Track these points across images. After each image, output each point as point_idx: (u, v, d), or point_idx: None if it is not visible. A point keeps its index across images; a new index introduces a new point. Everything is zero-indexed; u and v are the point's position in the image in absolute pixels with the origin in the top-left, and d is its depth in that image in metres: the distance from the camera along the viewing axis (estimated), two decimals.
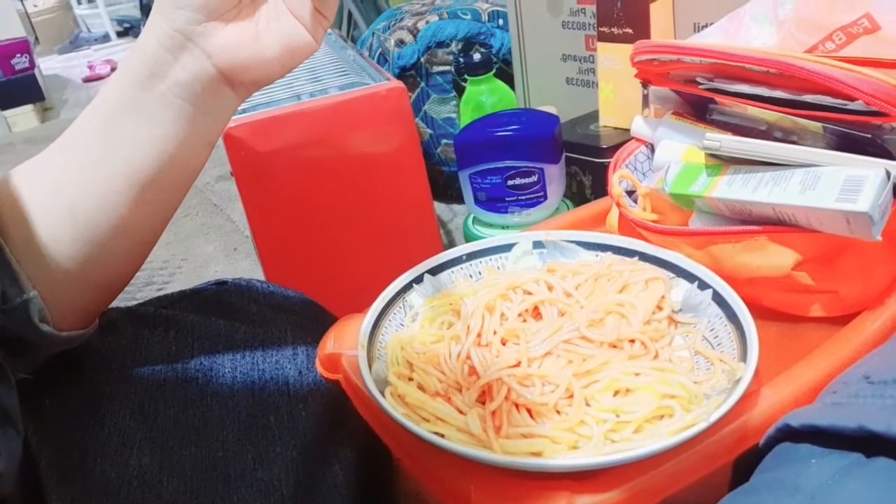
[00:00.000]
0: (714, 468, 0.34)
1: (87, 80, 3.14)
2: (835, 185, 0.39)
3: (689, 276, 0.45)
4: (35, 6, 4.10)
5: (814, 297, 0.44)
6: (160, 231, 0.41)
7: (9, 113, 2.47)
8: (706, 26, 0.63)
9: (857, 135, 0.43)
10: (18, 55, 2.54)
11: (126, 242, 0.39)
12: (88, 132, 0.38)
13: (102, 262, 0.39)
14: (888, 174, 0.38)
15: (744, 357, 0.37)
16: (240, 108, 0.71)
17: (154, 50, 0.35)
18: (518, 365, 0.39)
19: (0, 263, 0.36)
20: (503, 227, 0.83)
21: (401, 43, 1.24)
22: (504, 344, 0.41)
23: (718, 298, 0.42)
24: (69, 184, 0.37)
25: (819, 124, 0.45)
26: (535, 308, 0.44)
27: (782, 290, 0.44)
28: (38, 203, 0.37)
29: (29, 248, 0.37)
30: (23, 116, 2.51)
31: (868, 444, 0.27)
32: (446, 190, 1.23)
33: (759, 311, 0.40)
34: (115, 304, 0.44)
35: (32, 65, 2.59)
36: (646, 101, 0.59)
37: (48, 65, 3.50)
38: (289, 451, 0.43)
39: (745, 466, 0.33)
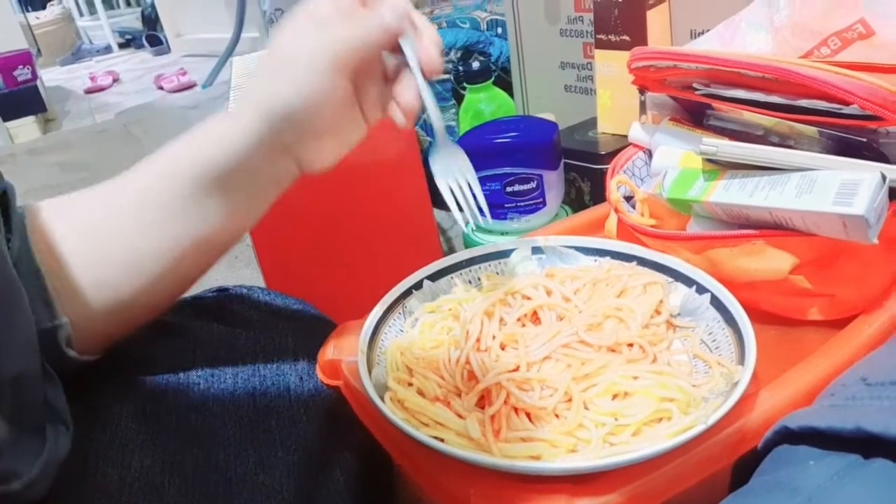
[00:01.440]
0: (712, 471, 0.34)
1: (89, 91, 3.16)
2: (831, 188, 0.39)
3: (688, 281, 0.45)
4: (37, 18, 4.12)
5: (811, 300, 0.44)
6: (196, 279, 0.43)
7: (11, 124, 2.48)
8: (703, 33, 0.64)
9: (852, 139, 0.44)
10: (21, 67, 2.55)
11: (173, 289, 0.42)
12: (165, 200, 0.39)
13: (142, 304, 0.41)
14: (884, 177, 0.38)
15: (742, 360, 0.37)
16: None
17: (248, 150, 0.38)
18: (517, 369, 0.39)
19: (36, 289, 0.37)
20: (502, 234, 0.83)
21: None
22: (503, 349, 0.41)
23: (716, 302, 0.42)
24: (132, 238, 0.39)
25: (815, 129, 0.46)
26: (534, 313, 0.44)
27: (780, 293, 0.44)
28: (91, 245, 0.39)
29: (69, 282, 0.38)
30: (25, 128, 2.51)
31: (866, 445, 0.27)
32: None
33: (756, 315, 0.40)
34: None
35: (35, 76, 2.60)
36: (643, 108, 0.60)
37: (50, 76, 3.52)
38: (290, 455, 0.43)
39: (743, 469, 0.33)
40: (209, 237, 0.40)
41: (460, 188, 0.39)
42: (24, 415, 0.31)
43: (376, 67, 0.41)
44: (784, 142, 0.48)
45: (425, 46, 0.39)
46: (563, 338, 0.40)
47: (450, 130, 1.21)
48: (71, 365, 0.39)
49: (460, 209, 0.42)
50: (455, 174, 0.39)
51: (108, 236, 0.39)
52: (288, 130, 0.38)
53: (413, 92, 0.39)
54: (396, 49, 0.40)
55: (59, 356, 0.37)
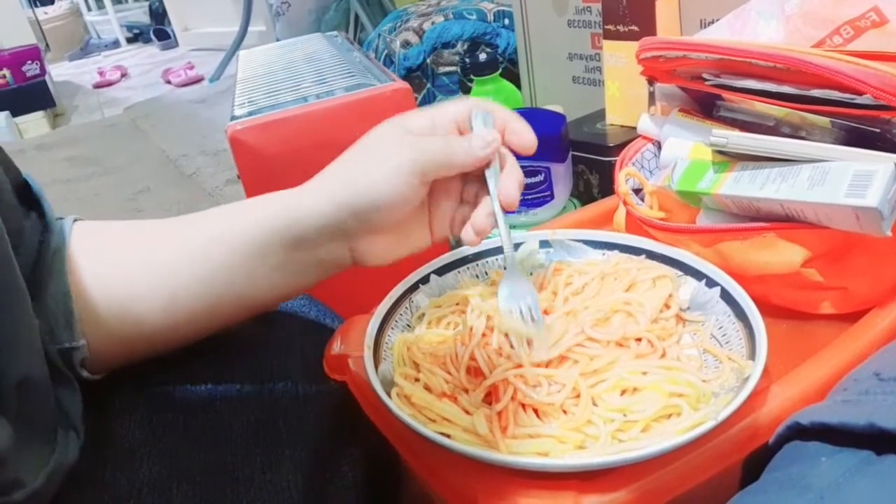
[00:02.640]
0: (723, 467, 0.34)
1: (98, 86, 3.17)
2: (843, 180, 0.38)
3: (697, 274, 0.44)
4: (46, 13, 4.14)
5: (823, 293, 0.43)
6: (221, 328, 0.43)
7: (20, 119, 2.50)
8: (712, 22, 0.63)
9: (865, 129, 0.43)
10: (29, 62, 2.57)
11: (197, 333, 0.42)
12: (218, 256, 0.39)
13: (164, 339, 0.41)
14: None
15: (752, 355, 0.37)
16: (246, 111, 0.71)
17: (306, 228, 0.39)
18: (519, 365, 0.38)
19: (62, 309, 0.37)
20: (510, 227, 0.83)
21: (406, 44, 1.24)
22: (512, 348, 0.41)
23: (727, 296, 0.42)
24: (174, 283, 0.39)
25: (827, 119, 0.45)
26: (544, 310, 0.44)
27: (791, 287, 0.44)
28: (129, 280, 0.39)
29: (94, 308, 0.38)
30: (34, 123, 2.53)
31: (878, 441, 0.27)
32: None
33: (768, 309, 0.40)
34: None
35: (43, 71, 2.61)
36: (652, 99, 0.59)
37: (59, 71, 3.54)
38: (297, 452, 0.43)
39: (754, 465, 0.33)
40: (248, 299, 0.41)
41: (521, 312, 0.41)
42: (31, 420, 0.31)
43: (455, 187, 0.43)
44: (796, 132, 0.47)
45: (507, 184, 0.41)
46: (571, 338, 0.40)
47: None
48: (83, 382, 0.39)
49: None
50: (519, 301, 0.41)
51: (149, 276, 0.39)
52: (355, 220, 0.39)
53: (490, 219, 0.41)
54: (480, 177, 0.42)
55: (56, 366, 0.37)
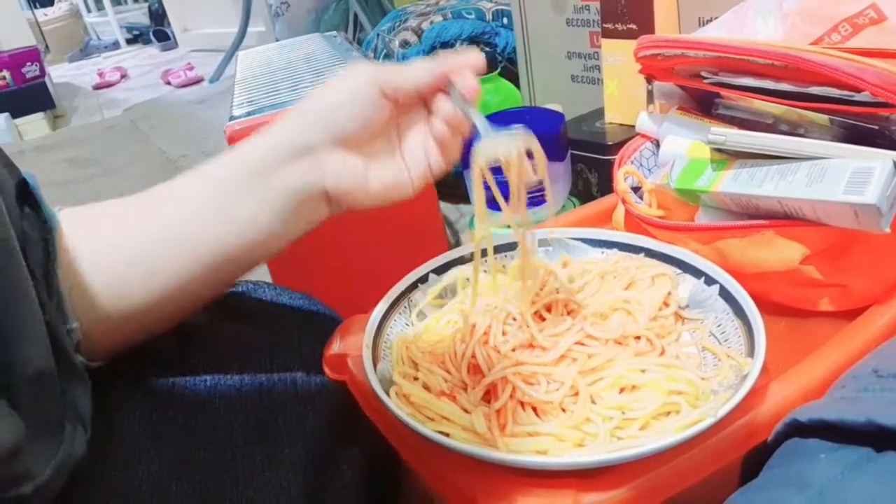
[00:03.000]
0: (722, 464, 0.34)
1: (98, 87, 3.17)
2: (842, 177, 0.38)
3: (696, 272, 0.44)
4: (45, 15, 4.14)
5: (822, 291, 0.43)
6: (212, 299, 0.43)
7: (20, 121, 2.49)
8: (711, 20, 0.63)
9: (864, 126, 0.43)
10: (29, 63, 2.56)
11: (185, 304, 0.41)
12: (172, 211, 0.39)
13: (155, 316, 0.41)
14: None
15: (751, 352, 0.37)
16: (244, 111, 0.71)
17: (274, 153, 0.38)
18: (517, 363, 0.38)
19: (52, 292, 0.37)
20: (509, 226, 0.83)
21: (405, 44, 1.24)
22: (514, 351, 0.41)
23: (725, 294, 0.42)
24: (154, 248, 0.39)
25: (825, 116, 0.45)
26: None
27: (790, 284, 0.44)
28: (113, 255, 0.39)
29: (84, 289, 0.38)
30: (34, 124, 2.53)
31: (878, 438, 0.26)
32: (453, 190, 1.23)
33: (767, 307, 0.40)
34: None
35: (43, 73, 2.61)
36: (651, 97, 0.59)
37: (59, 73, 3.53)
38: (297, 451, 0.43)
39: (753, 463, 0.33)
40: (229, 249, 0.40)
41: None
42: (38, 412, 0.31)
43: (419, 113, 0.41)
44: (794, 130, 0.47)
45: (464, 74, 0.39)
46: (572, 336, 0.40)
47: None
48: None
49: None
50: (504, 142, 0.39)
51: (133, 246, 0.39)
52: (312, 126, 0.38)
53: (455, 119, 0.40)
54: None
55: (67, 361, 0.37)
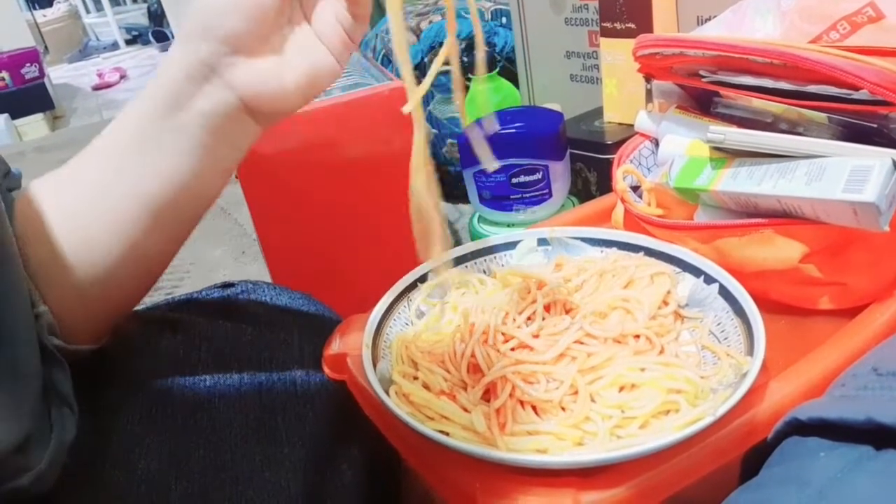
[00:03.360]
0: (722, 463, 0.34)
1: (97, 87, 3.17)
2: (841, 175, 0.38)
3: (695, 271, 0.44)
4: (44, 16, 4.14)
5: (822, 289, 0.43)
6: (173, 254, 0.41)
7: (19, 122, 2.50)
8: (709, 19, 0.63)
9: (862, 124, 0.43)
10: (28, 64, 2.56)
11: (139, 266, 0.40)
12: (103, 160, 0.37)
13: (115, 284, 0.39)
14: (895, 163, 0.37)
15: (751, 351, 0.37)
16: None
17: (175, 79, 0.35)
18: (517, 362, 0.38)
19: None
20: (508, 226, 0.83)
21: None
22: (513, 350, 0.41)
23: (725, 292, 0.42)
24: (83, 210, 0.37)
25: (824, 115, 0.45)
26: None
27: (790, 283, 0.44)
28: (54, 225, 0.37)
29: (42, 267, 0.37)
30: (33, 125, 2.53)
31: (877, 436, 0.26)
32: (452, 189, 1.23)
33: (766, 305, 0.40)
34: None
35: (42, 74, 2.61)
36: (649, 96, 0.59)
37: (58, 73, 3.54)
38: (297, 451, 0.43)
39: (753, 461, 0.33)
40: (156, 198, 0.37)
41: None
42: (32, 402, 0.31)
43: None
44: (793, 129, 0.47)
45: None
46: (572, 334, 0.39)
47: (455, 122, 1.20)
48: (61, 353, 0.38)
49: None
50: None
51: (70, 215, 0.37)
52: (203, 43, 0.34)
53: None
54: None
55: (41, 345, 0.37)
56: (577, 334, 0.40)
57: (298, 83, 0.36)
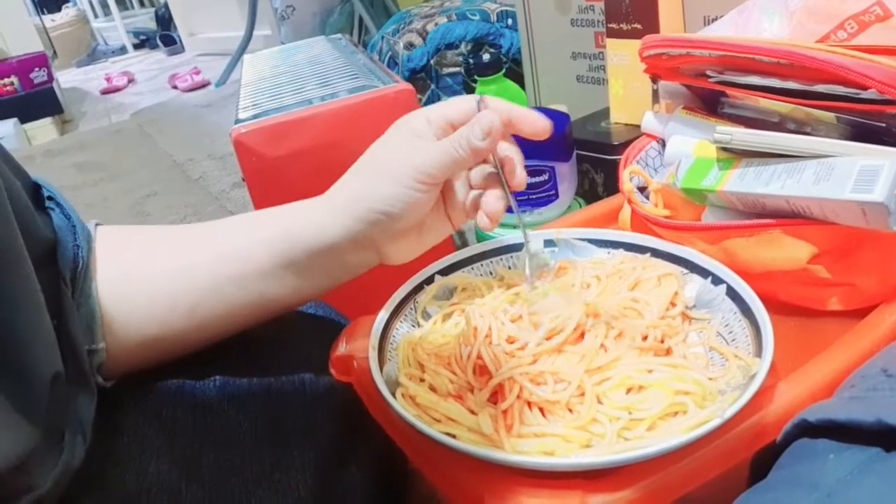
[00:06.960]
0: (730, 465, 0.34)
1: (105, 92, 3.19)
2: (849, 175, 0.38)
3: (703, 272, 0.44)
4: (53, 20, 4.17)
5: (831, 290, 0.43)
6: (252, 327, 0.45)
7: (28, 126, 2.51)
8: (716, 19, 0.63)
9: (871, 124, 0.43)
10: (37, 69, 2.59)
11: (217, 336, 0.43)
12: (238, 265, 0.41)
13: (183, 345, 0.42)
14: None
15: (759, 352, 0.36)
16: (250, 114, 0.71)
17: (341, 240, 0.41)
18: (534, 361, 0.38)
19: (86, 310, 0.38)
20: (515, 227, 0.82)
21: (410, 46, 1.24)
22: (511, 343, 0.41)
23: (733, 293, 0.42)
24: (199, 291, 0.41)
25: (832, 114, 0.45)
26: None
27: (798, 283, 0.43)
28: (153, 287, 0.40)
29: (117, 314, 0.39)
30: (42, 129, 2.55)
31: (887, 438, 0.26)
32: None
33: (775, 306, 0.40)
34: None
35: (51, 78, 2.63)
36: (656, 97, 0.59)
37: (66, 78, 3.56)
38: (306, 453, 0.43)
39: (762, 463, 0.33)
40: (274, 304, 0.43)
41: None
42: (47, 421, 0.31)
43: (464, 176, 0.44)
44: (801, 129, 0.47)
45: (510, 168, 0.42)
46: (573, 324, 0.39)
47: None
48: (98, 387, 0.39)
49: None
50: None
51: (174, 281, 0.40)
52: (377, 231, 0.41)
53: (501, 202, 0.42)
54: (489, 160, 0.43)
55: (80, 371, 0.37)
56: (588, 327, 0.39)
57: (424, 248, 0.45)
